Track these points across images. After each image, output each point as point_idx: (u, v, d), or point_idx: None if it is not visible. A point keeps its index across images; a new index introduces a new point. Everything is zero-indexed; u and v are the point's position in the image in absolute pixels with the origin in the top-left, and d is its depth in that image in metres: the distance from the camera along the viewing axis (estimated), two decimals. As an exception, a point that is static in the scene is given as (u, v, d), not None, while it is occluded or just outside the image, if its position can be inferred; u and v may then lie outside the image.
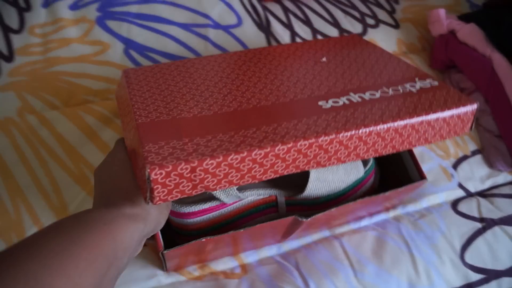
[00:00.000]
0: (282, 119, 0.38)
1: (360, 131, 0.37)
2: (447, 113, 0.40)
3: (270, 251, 0.51)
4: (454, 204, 0.57)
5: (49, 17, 0.65)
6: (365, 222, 0.54)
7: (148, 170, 0.30)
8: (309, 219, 0.42)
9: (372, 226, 0.54)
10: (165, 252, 0.39)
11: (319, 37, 0.69)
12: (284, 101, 0.41)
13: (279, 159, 0.35)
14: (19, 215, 0.50)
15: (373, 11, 0.72)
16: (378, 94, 0.42)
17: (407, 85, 0.44)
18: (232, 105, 0.40)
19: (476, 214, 0.56)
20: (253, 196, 0.45)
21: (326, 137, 0.36)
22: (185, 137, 0.34)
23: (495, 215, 0.56)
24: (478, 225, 0.55)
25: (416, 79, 0.45)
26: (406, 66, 0.48)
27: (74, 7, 0.66)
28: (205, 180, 0.32)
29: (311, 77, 0.45)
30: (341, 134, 0.36)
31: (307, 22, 0.70)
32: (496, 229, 0.55)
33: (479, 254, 0.53)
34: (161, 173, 0.31)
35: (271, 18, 0.69)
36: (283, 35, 0.68)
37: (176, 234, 0.46)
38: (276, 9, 0.70)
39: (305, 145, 0.35)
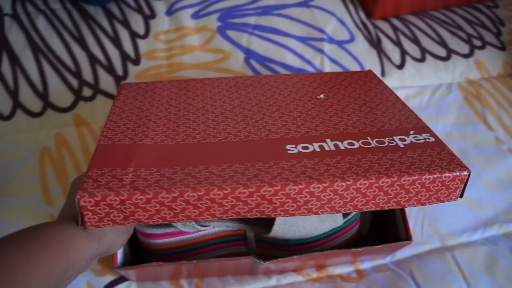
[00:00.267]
0: (237, 160, 0.35)
1: (312, 186, 0.33)
2: (427, 177, 0.34)
3: (384, 258, 0.52)
4: None
5: (172, 25, 0.67)
6: (475, 237, 0.55)
7: (78, 196, 0.31)
8: (267, 262, 0.40)
9: (482, 241, 0.54)
10: (116, 270, 0.40)
11: (428, 56, 0.70)
12: (253, 139, 0.38)
13: (215, 204, 0.32)
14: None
15: (479, 33, 0.73)
16: (357, 145, 0.37)
17: (396, 138, 0.39)
18: (197, 137, 0.38)
19: None
20: (220, 227, 0.43)
21: (270, 188, 0.32)
22: (130, 167, 0.34)
23: None
24: None
25: (411, 133, 0.40)
26: (407, 116, 0.43)
27: (195, 16, 0.68)
28: (135, 213, 0.32)
29: (295, 115, 0.42)
30: (288, 187, 0.32)
31: (415, 41, 0.71)
32: None
33: None
34: (90, 201, 0.31)
35: (381, 36, 0.71)
36: (393, 53, 0.69)
37: (144, 251, 0.46)
38: (386, 27, 0.72)
39: (244, 193, 0.32)
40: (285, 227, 0.41)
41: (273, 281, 0.50)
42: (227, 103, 0.44)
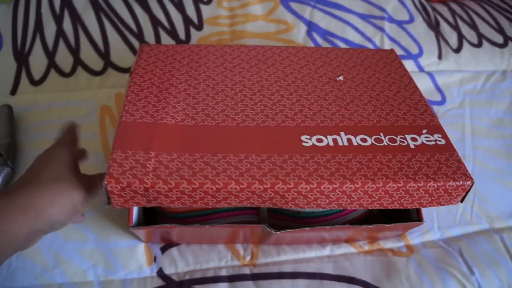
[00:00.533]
0: (253, 150, 0.36)
1: (322, 186, 0.34)
2: (431, 185, 0.36)
3: (434, 235, 0.53)
4: None
5: (235, -7, 0.67)
6: None
7: (105, 182, 0.33)
8: (278, 232, 0.40)
9: None
10: (131, 228, 0.41)
11: (485, 42, 0.70)
12: (269, 126, 0.39)
13: (231, 195, 0.34)
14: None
15: (536, 23, 0.73)
16: (369, 141, 0.38)
17: (408, 137, 0.39)
18: (216, 118, 0.39)
19: None
20: None
21: (283, 186, 0.34)
22: (153, 151, 0.35)
23: None
24: None
25: (423, 131, 0.40)
26: (422, 110, 0.42)
27: (258, -15, 0.68)
28: (158, 198, 0.34)
29: (313, 100, 0.42)
30: (300, 186, 0.34)
31: (473, 26, 0.71)
32: None
33: None
34: (116, 187, 0.33)
35: (439, 19, 0.71)
36: (451, 36, 0.69)
37: (157, 214, 0.47)
38: (444, 10, 0.72)
39: (259, 188, 0.34)
40: None
41: (327, 250, 0.51)
42: (246, 78, 0.44)
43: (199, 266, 0.48)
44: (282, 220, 0.45)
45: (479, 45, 0.69)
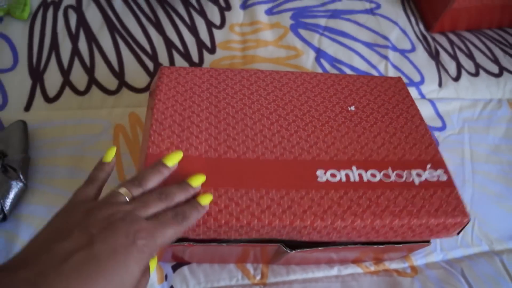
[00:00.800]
0: (273, 186, 0.39)
1: (336, 224, 0.38)
2: (433, 222, 0.40)
3: (437, 256, 0.55)
4: None
5: (247, 18, 0.70)
6: None
7: None
8: (293, 251, 0.42)
9: None
10: None
11: (482, 71, 0.74)
12: (287, 159, 0.42)
13: (253, 230, 0.38)
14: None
15: (529, 55, 0.78)
16: (378, 177, 0.42)
17: (414, 173, 0.43)
18: (237, 151, 0.41)
19: None
20: None
21: (301, 223, 0.37)
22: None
23: None
24: None
25: (428, 167, 0.44)
26: (427, 144, 0.46)
27: (269, 12, 0.71)
28: (185, 232, 0.37)
29: (327, 131, 0.45)
30: (316, 223, 0.37)
31: (470, 56, 0.75)
32: None
33: None
34: None
35: (439, 48, 0.75)
36: (450, 65, 0.73)
37: None
38: (443, 41, 0.76)
39: (279, 225, 0.37)
40: None
41: (335, 270, 0.52)
42: (264, 107, 0.46)
43: (210, 285, 0.49)
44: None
45: (476, 74, 0.73)
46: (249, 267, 0.51)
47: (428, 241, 0.46)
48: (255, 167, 0.40)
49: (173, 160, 0.37)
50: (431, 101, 0.68)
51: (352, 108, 0.48)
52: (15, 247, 0.48)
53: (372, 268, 0.53)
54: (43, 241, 0.27)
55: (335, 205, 0.39)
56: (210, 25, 0.68)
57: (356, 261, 0.53)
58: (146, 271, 0.31)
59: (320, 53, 0.68)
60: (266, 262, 0.51)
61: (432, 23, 0.74)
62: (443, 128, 0.66)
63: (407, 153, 0.45)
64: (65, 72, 0.62)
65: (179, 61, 0.65)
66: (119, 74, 0.63)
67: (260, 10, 0.70)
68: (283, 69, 0.66)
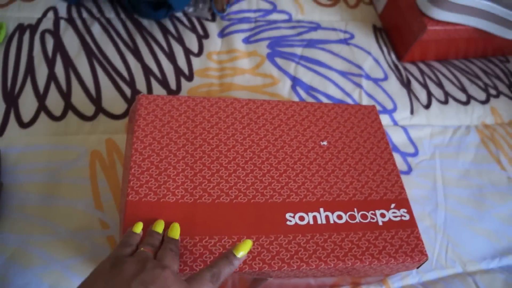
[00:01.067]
0: (244, 232, 0.41)
1: (301, 268, 0.40)
2: (392, 262, 0.42)
3: (413, 279, 0.57)
4: None
5: (224, 46, 0.71)
6: (493, 265, 0.60)
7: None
8: (271, 278, 0.43)
9: (499, 269, 0.60)
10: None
11: (451, 99, 0.77)
12: (258, 202, 0.43)
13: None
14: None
15: (494, 83, 0.81)
16: (344, 218, 0.44)
17: (378, 213, 0.45)
18: (212, 194, 0.43)
19: None
20: None
21: (269, 269, 0.40)
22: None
23: None
24: None
25: (392, 206, 0.46)
26: (393, 182, 0.48)
27: (246, 41, 0.72)
28: None
29: (298, 170, 0.47)
30: (283, 269, 0.40)
31: (439, 84, 0.78)
32: None
33: None
34: None
35: (410, 77, 0.78)
36: (421, 94, 0.76)
37: None
38: (414, 70, 0.79)
39: (249, 271, 0.39)
40: None
41: None
42: (239, 143, 0.47)
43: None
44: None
45: (445, 102, 0.76)
46: None
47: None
48: (228, 212, 0.42)
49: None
50: (404, 128, 0.70)
51: (325, 143, 0.50)
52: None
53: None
54: None
55: (301, 250, 0.41)
56: (188, 52, 0.69)
57: (334, 286, 0.53)
58: None
59: (296, 81, 0.70)
60: None
61: (403, 53, 0.78)
62: (415, 153, 0.68)
63: (374, 192, 0.47)
64: (41, 97, 0.61)
65: (157, 88, 0.65)
66: (96, 100, 0.63)
67: (238, 39, 0.72)
68: (260, 97, 0.67)
